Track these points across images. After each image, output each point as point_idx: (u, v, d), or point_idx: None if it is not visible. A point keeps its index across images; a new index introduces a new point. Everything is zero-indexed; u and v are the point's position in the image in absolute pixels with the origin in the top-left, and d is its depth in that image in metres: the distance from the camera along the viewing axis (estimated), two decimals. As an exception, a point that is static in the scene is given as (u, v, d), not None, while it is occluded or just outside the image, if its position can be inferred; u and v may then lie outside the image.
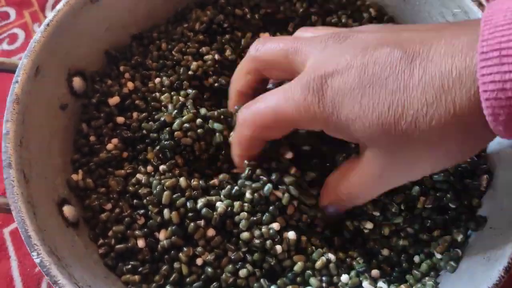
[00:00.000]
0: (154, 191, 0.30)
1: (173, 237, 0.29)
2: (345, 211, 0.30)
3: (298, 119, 0.25)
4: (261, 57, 0.29)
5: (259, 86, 0.31)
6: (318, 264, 0.29)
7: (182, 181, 0.30)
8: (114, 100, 0.35)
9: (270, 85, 0.33)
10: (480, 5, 0.34)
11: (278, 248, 0.29)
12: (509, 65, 0.18)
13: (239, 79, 0.31)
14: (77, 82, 0.35)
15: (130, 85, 0.35)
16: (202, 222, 0.29)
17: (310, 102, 0.24)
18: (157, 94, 0.35)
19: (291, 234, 0.29)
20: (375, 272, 0.30)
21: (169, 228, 0.29)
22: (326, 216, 0.30)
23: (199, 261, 0.29)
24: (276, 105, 0.25)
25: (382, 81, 0.22)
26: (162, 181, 0.30)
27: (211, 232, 0.29)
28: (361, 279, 0.29)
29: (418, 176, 0.25)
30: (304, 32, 0.30)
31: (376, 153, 0.24)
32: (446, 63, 0.21)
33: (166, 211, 0.30)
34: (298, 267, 0.29)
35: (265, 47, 0.28)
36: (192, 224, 0.29)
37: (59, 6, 0.34)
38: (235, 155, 0.30)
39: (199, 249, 0.29)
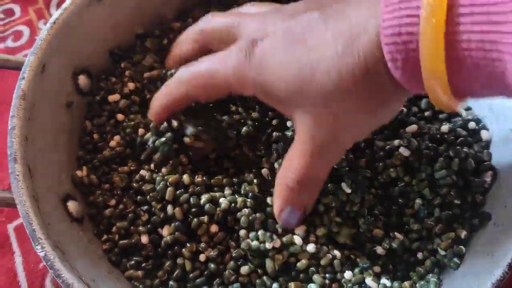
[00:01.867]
0: (158, 187, 0.30)
1: (176, 233, 0.29)
2: (303, 216, 0.29)
3: (231, 81, 0.27)
4: (208, 30, 0.31)
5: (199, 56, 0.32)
6: (323, 261, 0.29)
7: (186, 177, 0.30)
8: (113, 98, 0.35)
9: None
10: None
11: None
12: (406, 10, 0.20)
13: (183, 44, 0.33)
14: (82, 80, 0.35)
15: (131, 85, 0.36)
16: (205, 218, 0.29)
17: (242, 64, 0.26)
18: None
19: (297, 238, 0.29)
20: (378, 269, 0.30)
21: (172, 224, 0.30)
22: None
23: (202, 257, 0.29)
24: (213, 67, 0.27)
25: (301, 39, 0.24)
26: (166, 177, 0.31)
27: (214, 228, 0.29)
28: (364, 275, 0.29)
29: (348, 139, 0.26)
30: (249, 8, 0.31)
31: (302, 117, 0.25)
32: (355, 15, 0.22)
33: (169, 207, 0.30)
34: (301, 264, 0.29)
35: (212, 21, 0.31)
36: (195, 219, 0.29)
37: (65, 5, 0.34)
38: (156, 104, 0.31)
39: (202, 245, 0.29)
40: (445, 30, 0.19)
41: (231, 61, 0.26)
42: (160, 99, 0.31)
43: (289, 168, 0.27)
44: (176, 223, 0.29)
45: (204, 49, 0.31)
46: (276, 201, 0.28)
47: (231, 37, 0.28)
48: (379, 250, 0.30)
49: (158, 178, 0.31)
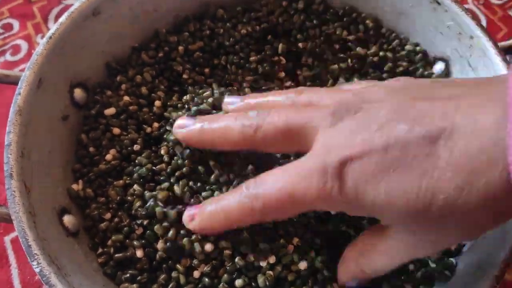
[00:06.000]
0: (147, 205, 0.31)
1: (167, 253, 0.30)
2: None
3: (318, 204, 0.23)
4: (267, 131, 0.25)
5: None
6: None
7: (176, 189, 0.31)
8: (109, 111, 0.35)
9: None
10: (474, 18, 0.34)
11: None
12: None
13: (227, 140, 0.27)
14: (78, 93, 0.36)
15: (126, 98, 0.36)
16: (199, 236, 0.30)
17: (330, 188, 0.22)
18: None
19: (302, 265, 0.29)
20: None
21: (164, 244, 0.30)
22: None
23: (196, 274, 0.30)
24: (292, 188, 0.23)
25: (405, 164, 0.20)
26: (156, 192, 0.31)
27: (208, 247, 0.30)
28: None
29: (444, 248, 0.27)
30: (299, 96, 0.27)
31: (402, 233, 0.23)
32: (473, 143, 0.19)
33: (157, 226, 0.30)
34: (291, 276, 0.29)
35: (273, 118, 0.25)
36: (185, 239, 0.29)
37: (61, 19, 0.34)
38: (209, 223, 0.27)
39: (195, 261, 0.29)
40: None
41: (315, 185, 0.22)
42: (216, 220, 0.27)
43: (366, 257, 0.26)
44: (168, 244, 0.30)
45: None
46: (343, 275, 0.28)
47: (299, 141, 0.24)
48: None
49: (147, 194, 0.31)
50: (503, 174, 0.18)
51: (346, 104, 0.23)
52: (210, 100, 0.32)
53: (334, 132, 0.23)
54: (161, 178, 0.32)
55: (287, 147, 0.26)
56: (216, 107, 0.32)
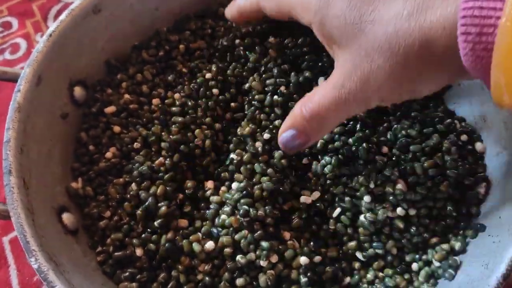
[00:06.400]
0: (145, 205, 0.30)
1: (167, 252, 0.30)
2: (301, 147, 0.29)
3: (295, 3, 0.28)
4: None
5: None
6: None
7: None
8: (109, 109, 0.35)
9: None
10: None
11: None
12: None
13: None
14: (78, 91, 0.36)
15: (127, 97, 0.36)
16: (199, 236, 0.29)
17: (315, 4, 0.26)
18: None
19: (303, 260, 0.29)
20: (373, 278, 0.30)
21: (163, 246, 0.30)
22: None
23: (199, 276, 0.29)
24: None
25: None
26: (151, 190, 0.31)
27: (209, 245, 0.29)
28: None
29: (374, 99, 0.26)
30: None
31: (343, 61, 0.26)
32: None
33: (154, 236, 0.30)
34: (295, 274, 0.29)
35: None
36: (185, 241, 0.29)
37: (61, 17, 0.34)
38: (233, 8, 0.35)
39: (195, 261, 0.29)
40: None
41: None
42: (237, 4, 0.34)
43: (311, 99, 0.27)
44: (167, 245, 0.29)
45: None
46: (286, 120, 0.29)
47: None
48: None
49: (143, 194, 0.31)
50: (450, 10, 0.21)
51: None
52: None
53: None
54: (159, 174, 0.32)
55: None
56: None
